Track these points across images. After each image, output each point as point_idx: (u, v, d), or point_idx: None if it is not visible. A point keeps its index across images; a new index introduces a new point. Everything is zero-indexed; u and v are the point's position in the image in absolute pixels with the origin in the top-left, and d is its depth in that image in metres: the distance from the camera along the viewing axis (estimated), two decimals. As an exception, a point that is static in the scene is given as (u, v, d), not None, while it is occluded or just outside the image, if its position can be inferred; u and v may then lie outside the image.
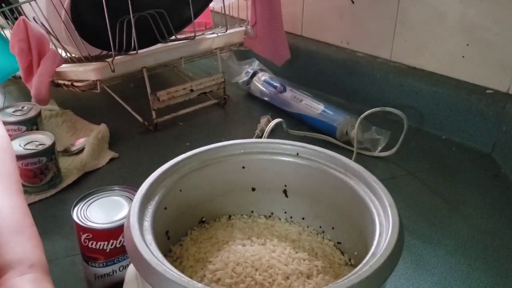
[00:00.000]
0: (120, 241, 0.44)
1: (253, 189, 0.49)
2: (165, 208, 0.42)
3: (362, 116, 0.72)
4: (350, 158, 0.52)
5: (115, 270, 0.46)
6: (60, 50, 0.81)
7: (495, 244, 0.56)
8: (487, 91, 0.76)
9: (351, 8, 0.92)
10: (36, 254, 0.39)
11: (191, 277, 0.38)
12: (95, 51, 0.83)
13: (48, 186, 0.65)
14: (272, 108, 0.90)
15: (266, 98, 0.92)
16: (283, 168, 0.47)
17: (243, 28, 0.96)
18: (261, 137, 0.78)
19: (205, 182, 0.46)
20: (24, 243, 0.39)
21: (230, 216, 0.49)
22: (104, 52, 0.84)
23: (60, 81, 0.82)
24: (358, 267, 0.32)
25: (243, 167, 0.47)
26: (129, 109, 0.84)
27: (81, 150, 0.74)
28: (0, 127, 0.53)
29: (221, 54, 0.95)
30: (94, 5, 0.71)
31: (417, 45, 0.84)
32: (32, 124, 0.73)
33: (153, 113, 0.82)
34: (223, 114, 0.92)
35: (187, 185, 0.44)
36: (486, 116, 0.75)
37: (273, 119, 0.79)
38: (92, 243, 0.44)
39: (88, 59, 0.80)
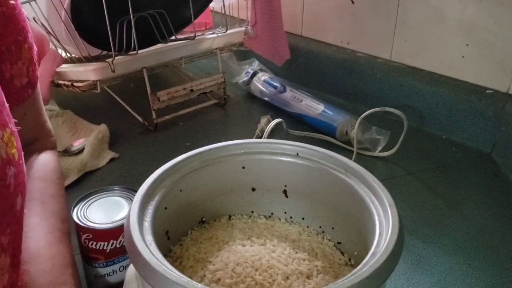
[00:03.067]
0: (120, 241, 0.44)
1: (253, 189, 0.49)
2: (165, 208, 0.42)
3: (362, 116, 0.72)
4: (350, 158, 0.52)
5: (115, 270, 0.46)
6: (60, 50, 0.81)
7: (495, 244, 0.56)
8: (487, 91, 0.76)
9: (351, 8, 0.92)
10: None
11: (191, 277, 0.38)
12: (95, 51, 0.83)
13: (48, 186, 0.65)
14: (272, 108, 0.90)
15: (266, 98, 0.92)
16: (283, 168, 0.47)
17: (243, 28, 0.96)
18: (261, 137, 0.78)
19: (205, 182, 0.46)
20: None
21: (230, 216, 0.49)
22: (104, 52, 0.84)
23: (60, 81, 0.82)
24: (358, 267, 0.32)
25: (243, 167, 0.47)
26: (129, 109, 0.85)
27: (81, 150, 0.74)
28: (52, 160, 0.52)
29: (221, 54, 0.95)
30: (94, 5, 0.71)
31: (417, 45, 0.84)
32: (32, 124, 0.73)
33: (153, 113, 0.82)
34: (223, 114, 0.92)
35: (187, 185, 0.44)
36: (486, 116, 0.75)
37: (273, 119, 0.79)
38: (92, 243, 0.44)
39: (88, 59, 0.80)
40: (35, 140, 0.53)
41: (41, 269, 0.38)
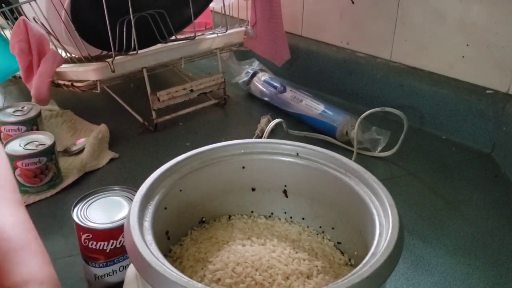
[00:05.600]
0: (120, 241, 0.45)
1: (253, 189, 0.49)
2: (165, 208, 0.42)
3: (362, 116, 0.72)
4: (350, 158, 0.52)
5: (115, 270, 0.46)
6: (60, 50, 0.81)
7: (495, 244, 0.56)
8: (487, 91, 0.76)
9: (351, 8, 0.92)
10: (44, 271, 0.37)
11: (191, 277, 0.38)
12: (95, 51, 0.83)
13: (48, 186, 0.65)
14: (272, 108, 0.90)
15: (266, 98, 0.92)
16: (283, 168, 0.47)
17: (243, 28, 0.96)
18: (261, 137, 0.78)
19: (205, 182, 0.46)
20: (31, 262, 0.37)
21: (230, 216, 0.49)
22: (104, 52, 0.84)
23: (60, 81, 0.82)
24: (358, 267, 0.32)
25: (243, 167, 0.47)
26: (129, 109, 0.84)
27: (81, 150, 0.74)
28: None
29: (221, 54, 0.95)
30: (94, 5, 0.71)
31: (417, 45, 0.84)
32: (32, 124, 0.73)
33: (153, 113, 0.82)
34: (223, 114, 0.92)
35: (187, 185, 0.44)
36: (486, 116, 0.75)
37: (273, 119, 0.79)
38: (92, 243, 0.44)
39: (88, 59, 0.80)
40: None
41: (4, 236, 0.37)
